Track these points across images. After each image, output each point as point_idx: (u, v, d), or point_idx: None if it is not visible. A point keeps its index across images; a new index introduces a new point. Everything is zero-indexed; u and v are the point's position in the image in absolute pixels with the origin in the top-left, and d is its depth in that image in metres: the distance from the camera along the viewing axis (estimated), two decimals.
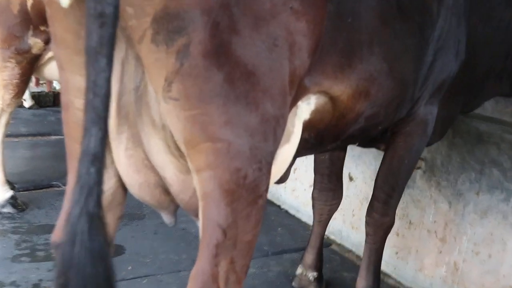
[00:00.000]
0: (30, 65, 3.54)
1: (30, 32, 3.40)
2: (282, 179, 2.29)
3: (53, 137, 5.94)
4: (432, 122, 2.56)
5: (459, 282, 3.12)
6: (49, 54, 3.50)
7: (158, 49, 1.32)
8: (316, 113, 1.87)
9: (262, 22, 1.38)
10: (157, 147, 1.54)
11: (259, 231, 1.56)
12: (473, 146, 3.09)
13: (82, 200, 1.21)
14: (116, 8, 1.14)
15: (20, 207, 3.85)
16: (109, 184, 1.65)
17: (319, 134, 2.01)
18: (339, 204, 3.21)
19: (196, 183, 1.47)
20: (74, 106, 1.52)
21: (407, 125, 2.50)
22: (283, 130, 1.55)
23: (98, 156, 1.22)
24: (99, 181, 1.22)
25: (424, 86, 2.37)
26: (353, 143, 2.62)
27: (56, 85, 7.07)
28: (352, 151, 3.76)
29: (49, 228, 3.63)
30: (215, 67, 1.33)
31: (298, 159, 4.35)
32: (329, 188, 3.16)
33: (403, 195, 3.39)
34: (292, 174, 4.48)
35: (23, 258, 3.23)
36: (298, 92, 1.66)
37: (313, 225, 3.24)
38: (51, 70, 3.61)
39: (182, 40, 1.31)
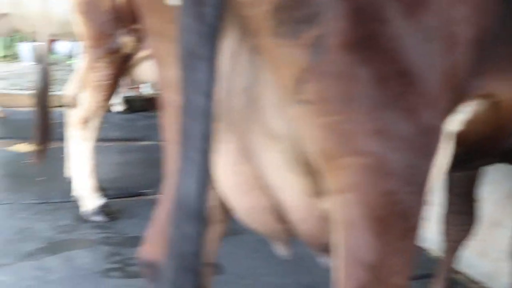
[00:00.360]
0: (122, 65, 3.34)
1: (122, 30, 3.20)
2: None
3: (143, 143, 5.82)
4: None
5: None
6: (141, 53, 3.29)
7: (284, 43, 1.09)
8: (471, 123, 1.44)
9: (416, 9, 1.08)
10: (274, 163, 1.25)
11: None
12: None
13: (185, 222, 1.03)
14: None
15: (112, 215, 3.67)
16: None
17: (470, 148, 1.57)
18: (470, 232, 2.73)
19: (334, 207, 1.17)
20: (176, 104, 1.19)
21: None
22: (439, 144, 1.20)
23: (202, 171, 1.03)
24: (202, 200, 1.03)
25: None
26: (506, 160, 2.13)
27: (144, 89, 7.03)
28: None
29: (140, 241, 3.43)
30: (360, 62, 1.06)
31: None
32: (462, 211, 2.69)
33: None
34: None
35: (113, 273, 3.01)
36: (456, 97, 1.26)
37: (445, 251, 2.78)
38: (143, 71, 3.41)
39: (315, 31, 1.06)
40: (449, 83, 1.15)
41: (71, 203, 3.81)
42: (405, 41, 1.06)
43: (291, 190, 1.27)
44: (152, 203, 3.85)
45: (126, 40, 3.23)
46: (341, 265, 1.15)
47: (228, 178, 1.32)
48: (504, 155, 2.06)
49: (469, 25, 1.16)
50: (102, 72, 3.31)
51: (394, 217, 1.13)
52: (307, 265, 2.98)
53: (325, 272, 1.51)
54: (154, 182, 4.34)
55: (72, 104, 3.51)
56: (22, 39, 9.52)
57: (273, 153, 1.24)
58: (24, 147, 5.08)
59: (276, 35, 1.08)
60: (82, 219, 3.64)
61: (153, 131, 6.29)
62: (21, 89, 7.33)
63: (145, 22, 1.33)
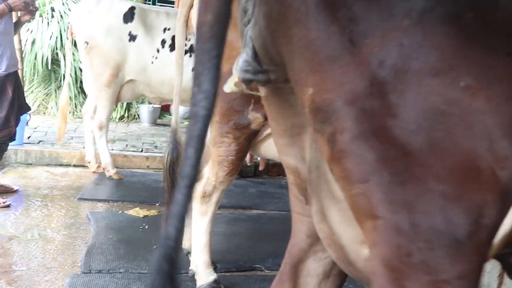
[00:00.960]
0: (248, 141, 3.31)
1: (251, 107, 3.18)
2: None
3: (254, 211, 5.74)
4: None
5: None
6: (268, 130, 3.24)
7: (318, 137, 1.49)
8: None
9: (423, 101, 1.32)
10: (336, 217, 1.65)
11: None
12: None
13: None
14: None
15: None
16: None
17: None
18: None
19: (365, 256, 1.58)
20: (289, 181, 1.90)
21: None
22: (479, 219, 1.35)
23: None
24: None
25: None
26: None
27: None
28: None
29: None
30: (364, 150, 1.38)
31: None
32: None
33: None
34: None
35: None
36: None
37: None
38: (268, 147, 3.35)
39: (329, 129, 1.42)
40: (476, 167, 1.34)
41: (185, 276, 3.76)
42: (411, 130, 1.32)
43: (348, 240, 1.64)
44: (264, 279, 3.71)
45: (254, 117, 3.20)
46: None
47: (319, 234, 1.75)
48: None
49: (489, 114, 1.33)
50: (227, 148, 3.29)
51: (410, 268, 1.35)
52: None
53: None
54: (265, 255, 4.25)
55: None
56: (141, 101, 9.98)
57: (336, 212, 1.64)
58: (141, 211, 5.17)
59: (315, 131, 1.48)
60: None
61: (264, 199, 6.23)
62: (138, 151, 7.58)
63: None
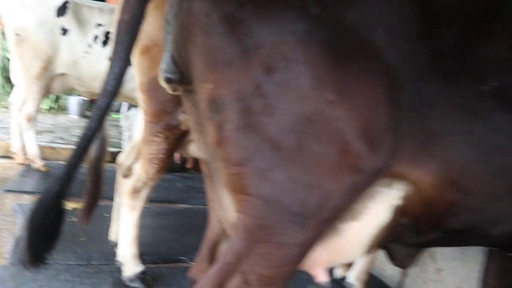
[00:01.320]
0: (177, 141, 3.52)
1: (181, 109, 3.40)
2: (404, 265, 2.33)
3: (180, 205, 5.95)
4: None
5: None
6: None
7: (209, 124, 1.85)
8: (405, 199, 1.91)
9: (295, 108, 1.69)
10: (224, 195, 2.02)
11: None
12: None
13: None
14: None
15: (148, 283, 3.77)
16: None
17: (414, 221, 1.98)
18: None
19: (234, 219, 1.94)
20: (204, 172, 2.33)
21: None
22: (323, 204, 1.75)
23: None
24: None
25: None
26: (480, 242, 2.35)
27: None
28: None
29: None
30: (244, 137, 1.75)
31: (444, 259, 3.96)
32: None
33: None
34: (434, 275, 4.08)
35: None
36: (365, 176, 1.78)
37: None
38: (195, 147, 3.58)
39: (219, 118, 1.79)
40: (338, 164, 1.74)
41: (111, 267, 3.93)
42: (281, 128, 1.70)
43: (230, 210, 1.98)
44: (188, 271, 3.96)
45: (183, 118, 3.42)
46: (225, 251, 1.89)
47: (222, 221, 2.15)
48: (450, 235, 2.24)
49: (348, 122, 1.70)
50: (158, 146, 3.49)
51: (262, 233, 1.78)
52: None
53: None
54: (190, 248, 4.47)
55: (127, 174, 3.69)
56: (70, 93, 9.90)
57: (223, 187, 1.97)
58: (69, 204, 5.24)
59: (208, 119, 1.81)
60: (121, 285, 3.75)
61: (190, 194, 6.44)
62: (66, 143, 7.58)
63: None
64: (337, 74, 1.69)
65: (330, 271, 4.37)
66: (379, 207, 1.92)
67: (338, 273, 4.34)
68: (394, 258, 2.32)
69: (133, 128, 6.27)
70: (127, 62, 1.88)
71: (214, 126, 1.81)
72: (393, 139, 1.76)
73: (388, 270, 4.60)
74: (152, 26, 3.30)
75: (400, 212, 1.94)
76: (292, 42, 1.68)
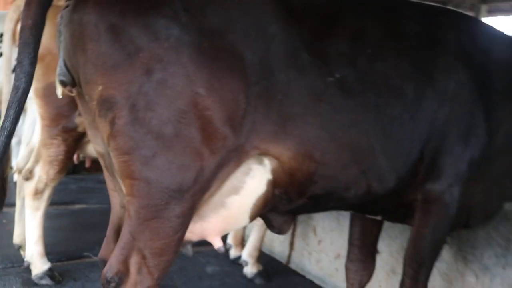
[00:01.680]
0: (75, 142, 3.76)
1: (78, 112, 3.63)
2: (281, 231, 2.84)
3: (76, 206, 6.10)
4: (452, 202, 2.78)
5: None
6: None
7: (102, 120, 2.14)
8: (274, 172, 2.38)
9: (172, 102, 2.07)
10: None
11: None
12: (498, 224, 3.27)
13: None
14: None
15: (57, 279, 3.97)
16: None
17: (284, 190, 2.45)
18: (371, 276, 3.36)
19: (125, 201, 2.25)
20: (102, 164, 2.56)
21: (424, 204, 2.78)
22: (194, 180, 2.15)
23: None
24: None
25: (423, 164, 2.66)
26: (341, 206, 2.91)
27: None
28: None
29: None
30: (131, 130, 2.08)
31: (323, 231, 4.52)
32: (360, 259, 3.33)
33: None
34: (316, 246, 4.63)
35: None
36: (236, 153, 2.24)
37: None
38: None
39: (111, 115, 2.10)
40: (207, 144, 2.13)
41: (19, 268, 4.08)
42: (162, 120, 2.05)
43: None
44: (93, 265, 4.22)
45: (80, 121, 3.65)
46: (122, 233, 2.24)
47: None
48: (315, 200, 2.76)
49: (216, 111, 2.12)
50: (57, 149, 3.70)
51: (149, 211, 2.15)
52: None
53: None
54: (91, 244, 4.69)
55: (28, 177, 3.86)
56: None
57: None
58: None
59: (99, 117, 2.12)
60: (31, 283, 3.92)
61: (85, 194, 6.59)
62: None
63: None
64: (205, 72, 2.10)
65: (227, 252, 4.80)
66: (255, 182, 2.37)
67: (233, 253, 4.78)
68: (272, 226, 2.80)
69: (21, 133, 6.29)
70: (35, 60, 2.11)
71: (106, 122, 2.12)
72: (252, 123, 2.20)
73: (277, 246, 5.11)
74: (45, 36, 3.50)
75: (272, 184, 2.39)
76: (167, 47, 2.06)
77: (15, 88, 2.12)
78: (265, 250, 5.05)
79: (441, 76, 2.66)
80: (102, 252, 2.62)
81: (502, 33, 3.17)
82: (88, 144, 3.85)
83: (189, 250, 2.53)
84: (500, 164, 2.93)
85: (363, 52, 2.47)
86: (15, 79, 2.13)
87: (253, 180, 2.38)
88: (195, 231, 2.40)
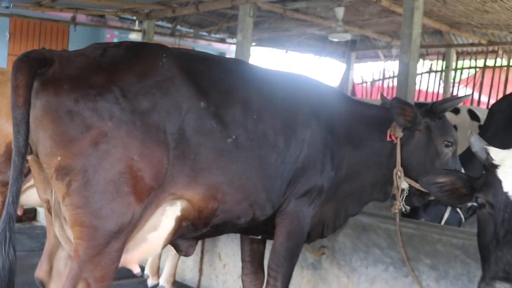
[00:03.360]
0: None
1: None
2: (187, 254, 3.58)
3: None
4: (304, 218, 3.63)
5: None
6: (28, 184, 4.33)
7: (59, 183, 2.72)
8: (183, 210, 3.13)
9: (114, 167, 2.74)
10: (66, 227, 2.99)
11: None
12: (360, 234, 4.30)
13: None
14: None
15: None
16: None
17: (192, 223, 3.22)
18: (262, 284, 4.14)
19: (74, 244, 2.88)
20: (44, 207, 3.16)
21: (281, 219, 3.61)
22: (128, 222, 2.83)
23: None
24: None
25: (287, 193, 3.53)
26: (233, 230, 3.68)
27: None
28: None
29: None
30: (84, 190, 2.70)
31: (227, 256, 5.35)
32: (252, 272, 4.17)
33: (312, 275, 4.50)
34: (222, 269, 5.45)
35: None
36: (157, 199, 2.96)
37: None
38: (28, 197, 4.43)
39: (68, 178, 2.69)
40: (138, 195, 2.83)
41: None
42: (105, 180, 2.73)
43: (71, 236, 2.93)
44: None
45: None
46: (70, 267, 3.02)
47: (59, 237, 3.12)
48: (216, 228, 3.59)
49: (146, 171, 2.85)
50: None
51: (92, 248, 2.76)
52: None
53: None
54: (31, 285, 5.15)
55: None
56: None
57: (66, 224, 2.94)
58: None
59: (56, 179, 2.72)
60: None
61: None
62: None
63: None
64: (138, 143, 2.80)
65: (146, 281, 5.49)
66: (168, 219, 3.12)
67: (150, 282, 5.48)
68: (180, 250, 3.57)
69: None
70: (28, 127, 2.63)
71: (63, 184, 2.71)
72: (171, 176, 2.94)
73: (188, 274, 5.86)
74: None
75: (181, 219, 3.16)
76: (110, 125, 2.75)
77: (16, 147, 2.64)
78: (178, 278, 5.76)
79: (300, 130, 3.54)
80: (37, 272, 3.37)
81: (337, 90, 4.25)
82: (24, 194, 4.43)
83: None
84: (344, 189, 3.88)
85: (250, 117, 3.30)
86: (15, 138, 2.62)
87: (166, 219, 3.12)
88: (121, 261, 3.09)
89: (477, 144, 2.75)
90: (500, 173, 2.53)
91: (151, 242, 3.16)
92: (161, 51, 3.13)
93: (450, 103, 3.89)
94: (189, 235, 3.37)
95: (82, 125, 2.72)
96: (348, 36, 9.82)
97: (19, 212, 5.81)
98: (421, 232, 4.00)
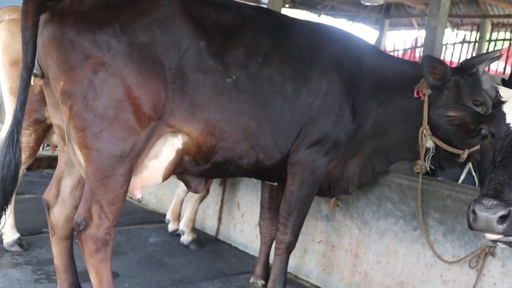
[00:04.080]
0: (44, 132, 4.58)
1: (46, 108, 4.46)
2: (197, 191, 3.77)
3: (26, 196, 6.79)
4: (317, 169, 3.71)
5: (369, 285, 4.38)
6: None
7: (63, 106, 2.97)
8: (184, 144, 3.31)
9: (112, 94, 2.96)
10: (77, 150, 3.20)
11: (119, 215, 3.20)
12: (372, 187, 4.43)
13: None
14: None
15: (25, 247, 4.77)
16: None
17: (193, 157, 3.40)
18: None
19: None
20: (56, 133, 3.50)
21: (293, 168, 3.71)
22: (130, 148, 3.05)
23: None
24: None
25: (298, 141, 3.60)
26: (241, 172, 3.81)
27: None
28: None
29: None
30: (84, 113, 2.94)
31: (245, 206, 5.54)
32: (269, 218, 4.34)
33: (326, 226, 4.65)
34: (240, 218, 5.65)
35: (42, 281, 4.18)
36: (158, 130, 3.16)
37: (260, 245, 4.40)
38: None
39: (70, 102, 2.94)
40: (139, 122, 3.04)
41: None
42: (105, 105, 2.97)
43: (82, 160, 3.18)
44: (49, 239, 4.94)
45: (48, 114, 4.48)
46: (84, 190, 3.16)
47: (73, 162, 3.40)
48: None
49: (144, 100, 3.04)
50: (28, 137, 4.51)
51: (100, 170, 3.03)
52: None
53: None
54: (47, 223, 5.45)
55: None
56: None
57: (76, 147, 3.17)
58: None
59: (62, 103, 3.01)
60: (2, 250, 4.69)
61: (32, 186, 7.29)
62: None
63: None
64: (134, 74, 3.00)
65: (167, 226, 5.74)
66: (168, 150, 3.31)
67: (171, 227, 5.72)
68: (190, 186, 3.75)
69: None
70: (34, 60, 2.93)
71: (67, 107, 2.98)
72: (170, 109, 3.12)
73: (207, 222, 6.08)
74: (19, 44, 4.32)
75: (182, 152, 3.33)
76: (108, 56, 2.97)
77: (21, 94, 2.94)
78: (198, 226, 5.99)
79: (315, 78, 3.60)
80: (45, 194, 3.61)
81: (370, 44, 4.28)
82: (53, 134, 4.67)
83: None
84: (370, 145, 3.93)
85: (254, 60, 3.40)
86: (21, 76, 2.93)
87: (167, 149, 3.31)
88: None
89: (487, 82, 2.94)
90: (506, 107, 2.66)
91: (151, 170, 3.37)
92: None
93: (478, 58, 3.81)
94: (193, 170, 3.52)
95: (82, 55, 2.97)
96: (380, 1, 9.76)
97: (51, 152, 6.10)
98: (432, 187, 4.09)
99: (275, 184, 4.18)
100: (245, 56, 3.38)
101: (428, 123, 3.75)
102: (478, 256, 3.68)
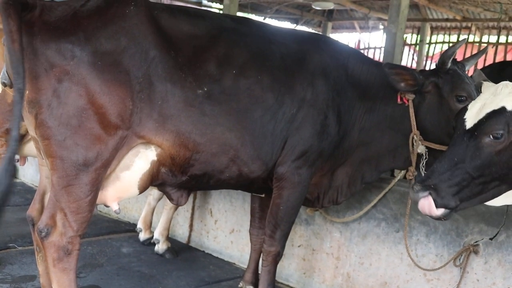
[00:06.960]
0: None
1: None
2: (179, 203, 3.69)
3: None
4: (301, 181, 3.68)
5: (352, 286, 4.48)
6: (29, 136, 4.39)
7: (29, 115, 2.98)
8: (159, 156, 3.28)
9: (75, 103, 2.95)
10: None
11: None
12: None
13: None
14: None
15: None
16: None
17: (169, 169, 3.36)
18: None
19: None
20: (35, 146, 3.36)
21: (278, 182, 3.68)
22: (95, 157, 3.03)
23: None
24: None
25: (283, 153, 3.56)
26: (224, 185, 3.76)
27: None
28: None
29: (30, 278, 4.42)
30: (49, 122, 2.93)
31: (219, 212, 5.52)
32: (259, 226, 4.36)
33: (305, 231, 4.72)
34: (213, 225, 5.63)
35: None
36: (128, 140, 3.13)
37: (250, 252, 4.42)
38: (29, 147, 4.48)
39: (35, 111, 2.93)
40: (104, 130, 3.01)
41: None
42: (68, 114, 2.94)
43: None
44: (21, 253, 4.85)
45: (21, 125, 4.31)
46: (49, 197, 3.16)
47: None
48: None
49: (108, 109, 3.02)
50: (0, 148, 4.32)
51: (63, 179, 3.03)
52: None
53: None
54: (15, 237, 5.24)
55: None
56: None
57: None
58: None
59: (29, 112, 2.99)
60: None
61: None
62: None
63: None
64: (98, 82, 2.97)
65: (138, 235, 5.64)
66: (141, 161, 3.28)
67: (142, 236, 5.62)
68: (171, 199, 3.69)
69: None
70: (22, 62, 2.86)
71: (32, 116, 2.98)
72: (139, 119, 3.09)
73: (178, 230, 6.02)
74: None
75: (158, 164, 3.30)
76: (72, 64, 2.96)
77: (17, 90, 2.83)
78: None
79: (299, 88, 3.55)
80: (29, 210, 3.62)
81: (356, 50, 4.31)
82: (25, 145, 4.50)
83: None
84: (358, 154, 3.88)
85: (228, 72, 3.34)
86: (15, 86, 2.83)
87: (140, 160, 3.28)
88: (98, 198, 3.25)
89: (477, 78, 3.38)
90: (471, 103, 3.02)
91: (124, 181, 3.34)
92: (132, 0, 3.22)
93: (446, 53, 3.71)
94: (171, 182, 3.47)
95: (46, 63, 2.95)
96: (331, 5, 9.98)
97: (21, 164, 5.87)
98: None
99: (262, 195, 4.19)
100: (218, 68, 3.34)
101: (418, 128, 3.69)
102: (462, 255, 3.84)
